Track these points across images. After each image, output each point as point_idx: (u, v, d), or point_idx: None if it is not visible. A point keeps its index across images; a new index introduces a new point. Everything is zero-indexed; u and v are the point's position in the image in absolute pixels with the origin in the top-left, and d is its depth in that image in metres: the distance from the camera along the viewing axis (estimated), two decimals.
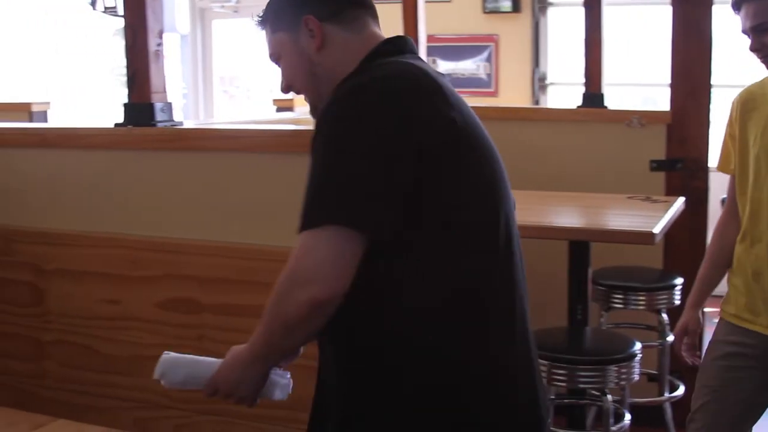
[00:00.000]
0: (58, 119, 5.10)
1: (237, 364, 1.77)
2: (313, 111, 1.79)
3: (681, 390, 3.81)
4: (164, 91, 2.75)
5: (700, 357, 2.63)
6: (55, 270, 2.91)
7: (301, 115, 4.70)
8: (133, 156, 2.77)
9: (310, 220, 1.57)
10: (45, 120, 4.61)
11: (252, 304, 2.53)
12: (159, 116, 2.73)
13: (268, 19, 1.79)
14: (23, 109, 4.67)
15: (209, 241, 2.61)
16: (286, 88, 1.81)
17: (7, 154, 3.03)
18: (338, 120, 1.59)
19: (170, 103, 2.77)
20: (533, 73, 6.95)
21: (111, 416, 2.61)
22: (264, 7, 1.82)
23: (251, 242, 2.59)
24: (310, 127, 2.73)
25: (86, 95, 7.18)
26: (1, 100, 5.32)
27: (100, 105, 7.12)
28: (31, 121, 4.53)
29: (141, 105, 2.74)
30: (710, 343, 2.56)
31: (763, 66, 2.28)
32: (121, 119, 2.81)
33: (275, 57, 1.80)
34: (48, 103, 4.81)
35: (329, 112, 1.61)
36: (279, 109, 5.10)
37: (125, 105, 2.79)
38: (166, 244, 2.67)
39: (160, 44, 2.75)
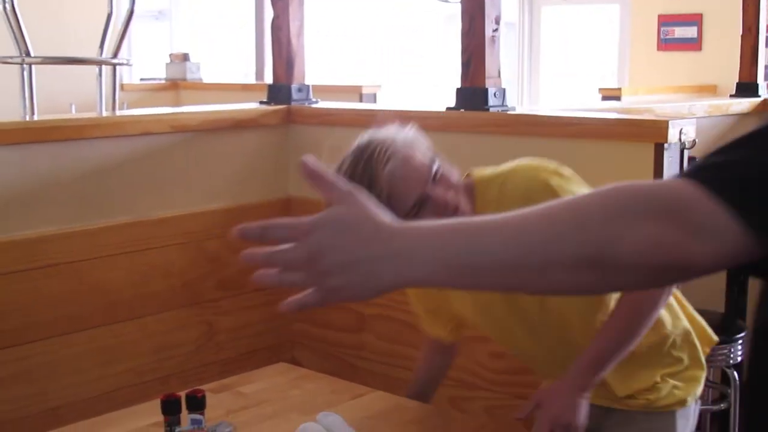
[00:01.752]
0: (387, 101, 5.28)
1: None
2: None
3: None
4: (498, 77, 2.75)
5: None
6: None
7: (628, 104, 4.57)
8: (464, 139, 2.81)
9: None
10: (374, 102, 4.79)
11: None
12: (492, 101, 2.74)
13: None
14: (354, 92, 4.87)
15: None
16: None
17: (342, 133, 3.16)
18: None
19: (503, 89, 2.77)
20: None
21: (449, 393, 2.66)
22: None
23: None
24: (639, 116, 2.68)
25: (415, 80, 7.39)
26: (335, 83, 5.59)
27: (429, 90, 7.30)
28: (361, 102, 4.72)
29: (474, 89, 2.77)
30: None
31: None
32: (452, 103, 2.85)
33: None
34: (378, 86, 5.00)
35: None
36: (605, 98, 4.99)
37: (458, 89, 2.82)
38: None
39: (496, 30, 2.76)
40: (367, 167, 1.94)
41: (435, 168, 1.99)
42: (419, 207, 1.92)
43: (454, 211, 1.93)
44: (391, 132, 2.05)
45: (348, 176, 1.90)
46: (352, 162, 1.95)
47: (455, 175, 2.04)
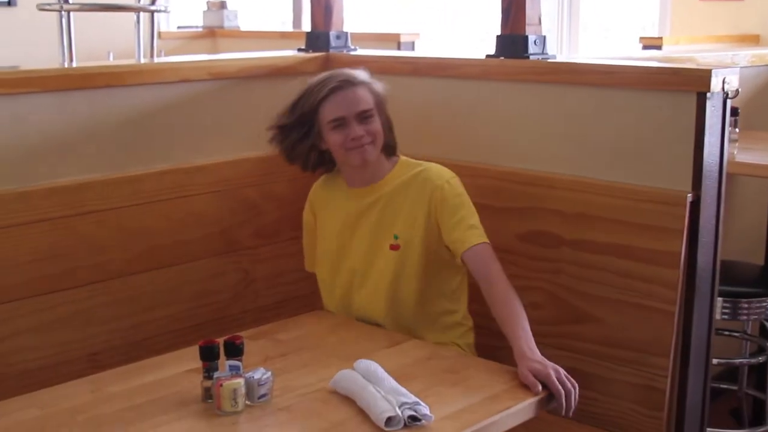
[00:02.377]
0: (426, 50, 5.23)
1: None
2: None
3: None
4: (539, 24, 2.71)
5: None
6: None
7: (669, 54, 4.49)
8: (504, 87, 2.78)
9: None
10: (412, 50, 4.75)
11: (612, 242, 2.48)
12: (532, 49, 2.70)
13: None
14: (392, 40, 4.83)
15: (575, 176, 2.58)
16: None
17: (380, 81, 3.14)
18: None
19: (544, 36, 2.73)
20: None
21: None
22: None
23: (617, 180, 2.52)
24: (681, 65, 2.63)
25: (455, 27, 7.32)
26: (373, 30, 5.55)
27: (468, 37, 7.24)
28: (399, 50, 4.69)
29: (514, 37, 2.73)
30: None
31: None
32: (492, 51, 2.82)
33: None
34: (417, 33, 4.95)
35: None
36: (645, 47, 4.91)
37: (498, 36, 2.78)
38: (531, 176, 2.66)
39: None
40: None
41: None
42: (341, 123, 2.43)
43: (369, 141, 2.45)
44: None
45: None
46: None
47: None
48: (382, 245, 2.53)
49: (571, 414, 2.09)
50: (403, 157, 2.61)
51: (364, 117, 2.44)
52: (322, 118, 2.44)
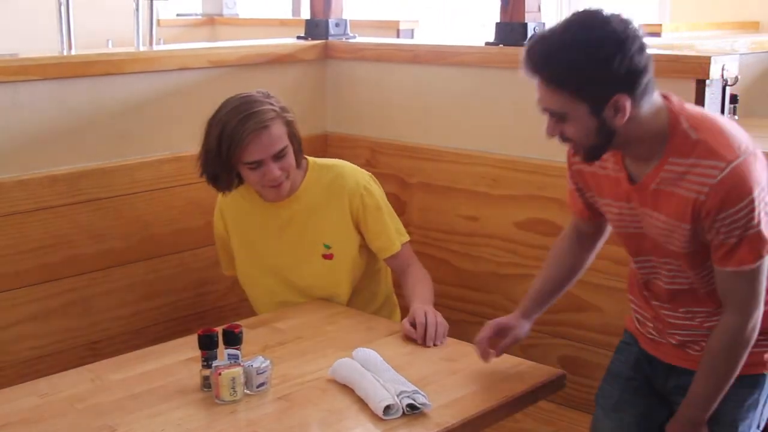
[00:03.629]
0: (425, 37, 5.22)
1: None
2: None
3: None
4: (538, 11, 2.71)
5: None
6: (417, 183, 3.01)
7: (669, 40, 4.48)
8: (503, 75, 2.77)
9: None
10: (411, 38, 4.74)
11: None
12: (532, 35, 2.69)
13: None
14: (391, 27, 4.81)
15: None
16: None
17: (379, 69, 3.15)
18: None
19: (543, 23, 2.73)
20: None
21: (461, 330, 2.66)
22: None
23: None
24: (680, 52, 2.62)
25: (453, 15, 7.30)
26: (372, 17, 5.53)
27: (465, 25, 7.22)
28: (398, 38, 4.68)
29: (514, 24, 2.73)
30: None
31: None
32: (491, 38, 2.81)
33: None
34: (416, 21, 4.94)
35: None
36: (645, 34, 4.89)
37: (497, 24, 2.78)
38: (528, 164, 2.67)
39: None
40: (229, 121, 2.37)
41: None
42: (258, 165, 2.38)
43: (284, 180, 2.43)
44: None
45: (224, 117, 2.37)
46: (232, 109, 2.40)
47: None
48: (313, 255, 2.56)
49: (428, 343, 2.22)
50: (311, 160, 2.58)
51: (279, 157, 2.41)
52: (239, 158, 2.38)
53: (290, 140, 2.43)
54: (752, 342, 1.87)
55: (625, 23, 1.75)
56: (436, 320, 2.28)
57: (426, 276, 2.54)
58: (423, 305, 2.34)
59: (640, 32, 1.77)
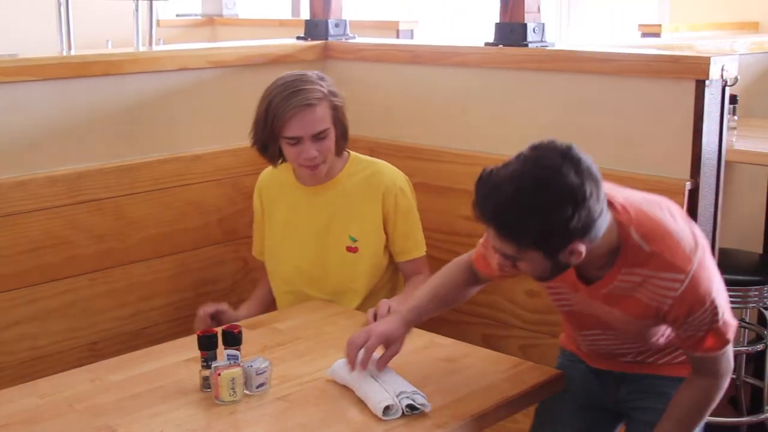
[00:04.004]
0: (425, 37, 5.22)
1: None
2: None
3: None
4: (537, 11, 2.71)
5: None
6: (417, 183, 3.00)
7: (668, 41, 4.48)
8: (503, 75, 2.77)
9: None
10: (411, 38, 4.74)
11: None
12: (531, 36, 2.69)
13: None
14: (391, 27, 4.81)
15: None
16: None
17: (379, 69, 3.15)
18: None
19: (543, 24, 2.73)
20: None
21: (460, 330, 2.67)
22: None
23: (615, 168, 2.52)
24: (680, 53, 2.62)
25: (452, 15, 7.30)
26: (371, 18, 5.53)
27: (467, 25, 7.22)
28: (397, 38, 4.67)
29: (513, 25, 2.73)
30: None
31: None
32: (491, 39, 2.81)
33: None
34: (416, 21, 4.94)
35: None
36: (644, 35, 4.89)
37: (497, 24, 2.78)
38: None
39: None
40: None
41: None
42: (297, 142, 2.43)
43: (320, 162, 2.47)
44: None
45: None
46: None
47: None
48: (337, 247, 2.58)
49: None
50: (353, 154, 2.63)
51: (319, 138, 2.45)
52: (280, 131, 2.44)
53: (334, 124, 2.48)
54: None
55: (578, 168, 1.71)
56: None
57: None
58: (390, 301, 2.36)
59: (595, 172, 1.74)
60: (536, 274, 1.85)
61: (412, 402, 1.87)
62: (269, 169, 2.67)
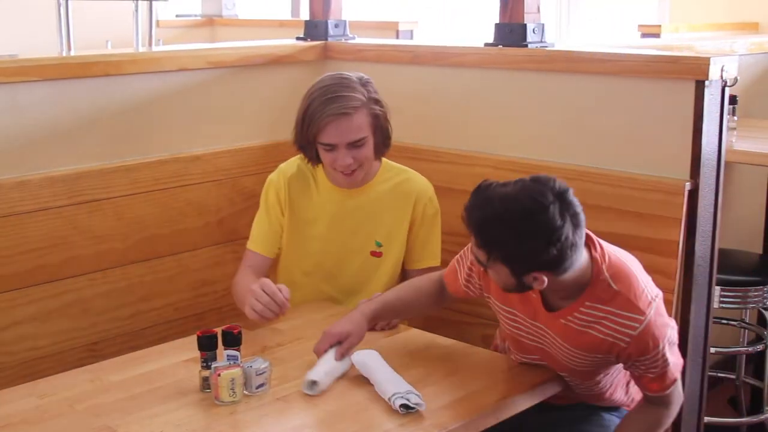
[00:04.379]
0: (424, 38, 5.22)
1: None
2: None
3: None
4: (537, 12, 2.71)
5: None
6: None
7: (668, 42, 4.48)
8: (503, 76, 2.77)
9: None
10: (411, 38, 4.74)
11: (610, 231, 2.47)
12: (531, 37, 2.69)
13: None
14: (391, 28, 4.81)
15: (572, 165, 2.58)
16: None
17: (378, 70, 3.14)
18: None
19: (543, 24, 2.73)
20: None
21: (459, 330, 2.67)
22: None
23: (614, 169, 2.52)
24: (679, 53, 2.62)
25: (452, 15, 7.30)
26: (371, 18, 5.53)
27: (467, 25, 7.22)
28: (397, 39, 4.67)
29: (513, 25, 2.73)
30: None
31: None
32: (490, 39, 2.81)
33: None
34: (415, 21, 4.94)
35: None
36: (644, 35, 4.89)
37: (497, 25, 2.78)
38: (529, 165, 2.66)
39: None
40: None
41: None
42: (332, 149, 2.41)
43: (356, 168, 2.44)
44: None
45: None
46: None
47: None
48: (362, 250, 2.57)
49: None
50: (384, 160, 2.61)
51: (355, 146, 2.42)
52: (315, 136, 2.41)
53: (373, 131, 2.45)
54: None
55: (564, 211, 1.83)
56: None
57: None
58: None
59: (581, 220, 1.87)
60: (502, 286, 1.98)
61: (406, 402, 1.87)
62: (293, 162, 2.62)
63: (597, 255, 1.96)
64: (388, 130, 2.51)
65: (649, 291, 1.98)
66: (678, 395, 2.10)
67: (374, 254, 2.57)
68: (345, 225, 2.58)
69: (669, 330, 1.99)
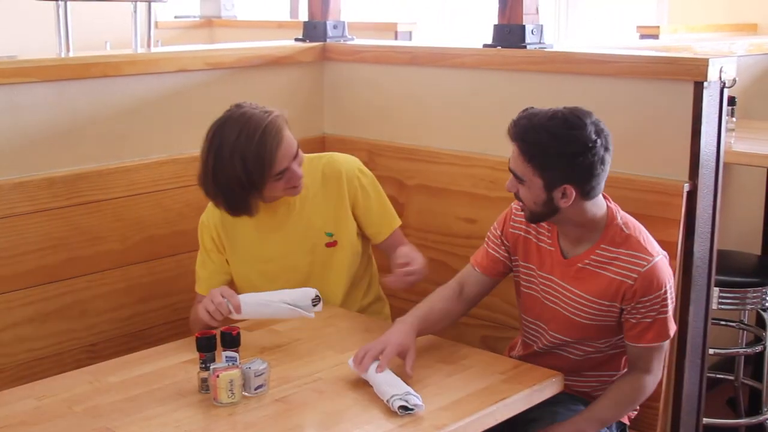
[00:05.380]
0: (423, 39, 5.22)
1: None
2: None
3: None
4: (536, 13, 2.71)
5: None
6: (415, 185, 3.01)
7: (666, 43, 4.49)
8: (501, 77, 2.78)
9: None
10: (409, 40, 4.74)
11: None
12: (529, 38, 2.70)
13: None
14: (389, 29, 4.81)
15: None
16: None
17: (377, 71, 3.15)
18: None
19: (541, 25, 2.73)
20: None
21: (459, 331, 2.66)
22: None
23: (613, 170, 2.50)
24: (678, 54, 2.62)
25: (451, 17, 7.31)
26: (370, 20, 5.53)
27: (466, 26, 7.23)
28: (396, 40, 4.68)
29: (511, 26, 2.73)
30: None
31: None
32: (489, 40, 2.81)
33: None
34: (414, 22, 4.94)
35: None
36: (642, 36, 4.90)
37: (495, 26, 2.78)
38: None
39: None
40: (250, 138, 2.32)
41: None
42: (284, 172, 2.36)
43: (298, 189, 2.43)
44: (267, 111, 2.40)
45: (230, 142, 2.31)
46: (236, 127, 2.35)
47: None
48: (318, 246, 2.54)
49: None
50: (301, 155, 2.51)
51: (296, 155, 2.40)
52: (267, 176, 2.34)
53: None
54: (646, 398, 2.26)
55: (600, 132, 2.08)
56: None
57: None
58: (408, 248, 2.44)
59: (610, 145, 2.11)
60: (531, 206, 2.15)
61: (404, 403, 1.87)
62: (212, 205, 2.52)
63: (612, 205, 2.19)
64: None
65: (656, 244, 2.17)
66: (659, 363, 2.22)
67: (329, 245, 2.55)
68: (290, 231, 2.53)
69: (671, 283, 2.16)
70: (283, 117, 2.40)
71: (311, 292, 2.26)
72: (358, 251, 2.60)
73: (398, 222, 2.64)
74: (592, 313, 2.19)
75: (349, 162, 2.60)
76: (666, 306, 2.14)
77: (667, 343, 2.22)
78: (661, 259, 2.14)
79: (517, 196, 2.19)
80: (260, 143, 2.31)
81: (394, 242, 2.59)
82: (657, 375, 2.23)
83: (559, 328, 2.26)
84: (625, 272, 2.13)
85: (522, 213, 2.26)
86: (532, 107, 2.15)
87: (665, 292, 2.13)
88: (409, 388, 1.92)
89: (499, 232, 2.38)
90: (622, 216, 2.19)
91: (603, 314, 2.18)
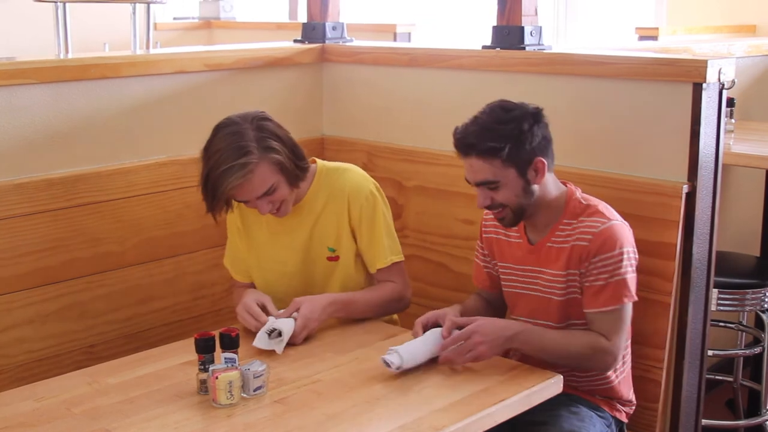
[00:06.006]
0: (422, 40, 5.23)
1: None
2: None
3: None
4: (535, 14, 2.71)
5: None
6: (414, 187, 3.01)
7: (665, 44, 4.49)
8: (500, 78, 2.78)
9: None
10: (408, 41, 4.75)
11: None
12: (528, 39, 2.70)
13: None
14: (388, 30, 4.82)
15: (570, 167, 2.57)
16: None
17: (376, 72, 3.15)
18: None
19: (540, 27, 2.73)
20: None
21: None
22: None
23: (612, 171, 2.53)
24: (677, 56, 2.62)
25: (450, 18, 7.31)
26: (369, 21, 5.53)
27: (464, 28, 7.24)
28: (395, 41, 4.68)
29: (510, 28, 2.73)
30: None
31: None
32: (488, 42, 2.81)
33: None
34: (413, 24, 4.94)
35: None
36: (641, 38, 4.90)
37: (494, 27, 2.78)
38: None
39: None
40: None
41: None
42: (248, 202, 2.37)
43: (279, 206, 2.40)
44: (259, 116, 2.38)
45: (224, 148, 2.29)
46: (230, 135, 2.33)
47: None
48: (320, 259, 2.53)
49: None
50: (320, 164, 2.54)
51: (267, 194, 2.35)
52: (227, 200, 2.36)
53: (281, 173, 2.34)
54: (600, 368, 2.23)
55: (532, 106, 2.22)
56: (308, 316, 2.31)
57: (384, 293, 2.50)
58: (315, 299, 2.37)
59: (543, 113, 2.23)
60: (514, 201, 2.20)
61: (386, 356, 2.06)
62: None
63: (571, 186, 2.30)
64: (295, 161, 2.39)
65: (617, 215, 2.24)
66: (618, 337, 2.18)
67: (331, 259, 2.54)
68: (298, 241, 2.53)
69: (631, 248, 2.20)
70: (272, 157, 2.31)
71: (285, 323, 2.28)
72: (360, 269, 2.56)
73: (390, 260, 2.51)
74: (562, 288, 2.24)
75: (358, 183, 2.52)
76: (621, 268, 2.15)
77: (626, 316, 2.18)
78: (618, 223, 2.20)
79: (494, 206, 2.23)
80: (222, 176, 2.28)
81: (380, 278, 2.53)
82: (615, 346, 2.17)
83: (542, 315, 2.29)
84: (582, 236, 2.20)
85: (491, 218, 2.34)
86: (457, 126, 2.23)
87: (620, 254, 2.16)
88: (407, 347, 2.08)
89: (480, 245, 2.47)
90: (582, 194, 2.28)
91: (572, 286, 2.23)
